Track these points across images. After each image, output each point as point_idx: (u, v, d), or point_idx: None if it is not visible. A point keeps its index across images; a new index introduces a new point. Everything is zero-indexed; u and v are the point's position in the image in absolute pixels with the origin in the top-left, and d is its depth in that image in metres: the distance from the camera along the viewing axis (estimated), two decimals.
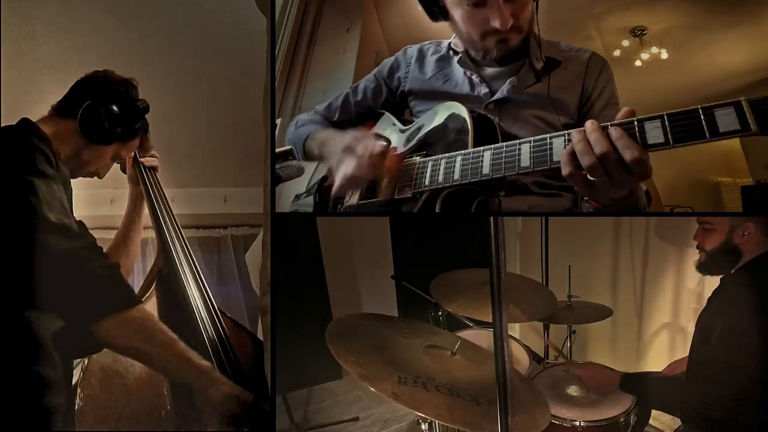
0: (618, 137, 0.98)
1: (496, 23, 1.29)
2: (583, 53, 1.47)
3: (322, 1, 2.34)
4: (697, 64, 2.70)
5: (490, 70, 1.48)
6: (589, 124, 1.01)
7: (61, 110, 1.39)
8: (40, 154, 1.19)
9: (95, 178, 1.49)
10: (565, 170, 1.03)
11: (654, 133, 0.99)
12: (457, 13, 1.37)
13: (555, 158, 1.08)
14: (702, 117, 0.96)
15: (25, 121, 1.30)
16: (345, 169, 1.31)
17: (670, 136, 0.98)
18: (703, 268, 1.56)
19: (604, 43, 2.68)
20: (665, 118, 0.99)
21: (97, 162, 1.43)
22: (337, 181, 1.33)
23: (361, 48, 2.24)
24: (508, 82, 1.42)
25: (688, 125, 0.97)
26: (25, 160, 1.17)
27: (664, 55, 2.65)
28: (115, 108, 1.38)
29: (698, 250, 1.55)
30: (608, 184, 1.00)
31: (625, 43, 2.68)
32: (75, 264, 1.10)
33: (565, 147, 1.06)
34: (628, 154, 0.97)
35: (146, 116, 1.49)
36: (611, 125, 1.01)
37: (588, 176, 1.01)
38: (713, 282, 1.55)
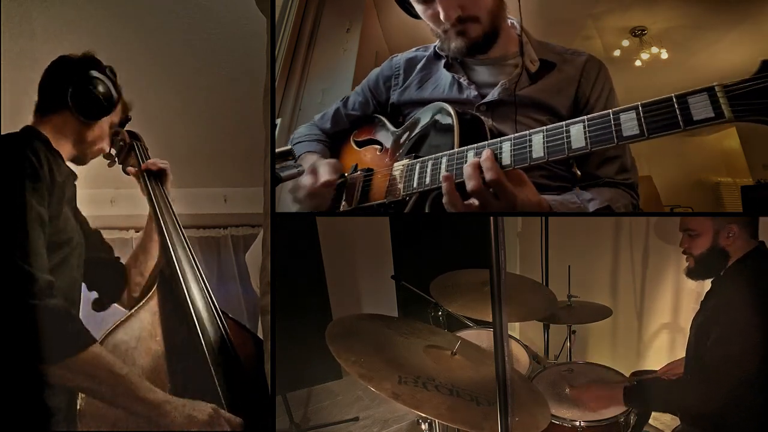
0: (484, 159, 1.10)
1: (442, 15, 1.31)
2: (578, 56, 1.45)
3: (322, 1, 2.34)
4: (697, 64, 2.70)
5: (480, 72, 1.46)
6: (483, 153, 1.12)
7: (44, 108, 1.39)
8: (27, 167, 1.20)
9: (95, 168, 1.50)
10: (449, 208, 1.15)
11: (629, 124, 0.98)
12: (418, 9, 1.39)
13: (534, 155, 1.09)
14: (676, 106, 0.94)
15: (23, 132, 1.34)
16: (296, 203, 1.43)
17: (644, 127, 0.96)
18: (693, 273, 1.56)
19: (604, 43, 2.68)
20: (640, 108, 0.98)
21: (102, 139, 1.46)
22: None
23: (361, 48, 2.24)
24: (499, 84, 1.40)
25: (662, 115, 0.95)
26: (3, 179, 1.19)
27: (664, 55, 2.65)
28: (98, 79, 1.39)
29: (686, 257, 1.55)
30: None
31: (625, 43, 2.68)
32: (22, 307, 1.12)
33: (544, 142, 1.07)
34: (488, 174, 1.08)
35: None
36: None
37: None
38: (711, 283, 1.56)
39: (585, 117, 1.04)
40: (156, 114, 1.80)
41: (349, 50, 2.24)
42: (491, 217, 0.91)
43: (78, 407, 1.18)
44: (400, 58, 1.61)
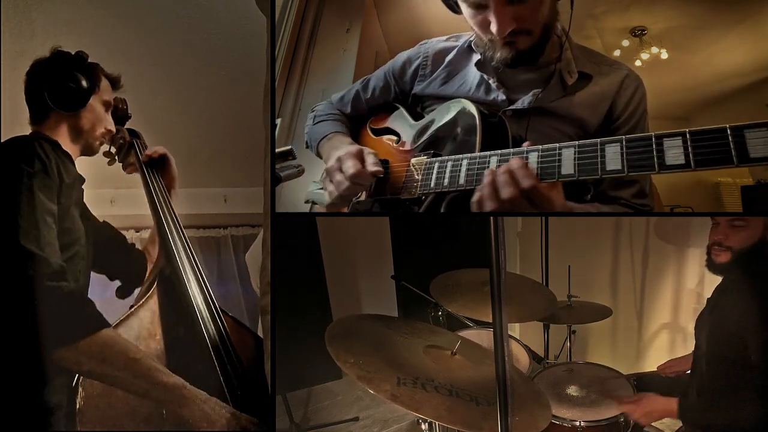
0: (518, 167, 1.04)
1: (494, 27, 1.20)
2: (618, 71, 1.36)
3: (322, 1, 2.33)
4: (697, 64, 2.69)
5: (512, 75, 1.38)
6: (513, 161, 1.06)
7: (35, 117, 1.43)
8: (37, 164, 1.23)
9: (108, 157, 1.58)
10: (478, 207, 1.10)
11: (673, 152, 0.89)
12: (464, 11, 1.29)
13: (564, 171, 1.02)
14: (730, 138, 0.84)
15: (33, 133, 1.39)
16: (331, 188, 1.35)
17: (691, 157, 0.87)
18: (724, 269, 1.42)
19: (604, 43, 2.67)
20: (687, 136, 0.88)
21: (99, 121, 1.48)
22: (328, 199, 1.37)
23: (361, 48, 2.24)
24: (531, 93, 1.31)
25: (713, 147, 0.85)
26: (16, 174, 1.21)
27: (664, 55, 2.65)
28: (66, 70, 1.41)
29: (717, 250, 1.42)
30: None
31: (625, 43, 2.68)
32: (36, 289, 1.12)
33: (575, 159, 1.01)
34: (525, 182, 1.02)
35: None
36: (524, 153, 1.07)
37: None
38: (714, 282, 1.53)
39: (623, 137, 0.96)
40: (156, 114, 1.79)
41: (349, 50, 2.24)
42: (491, 217, 0.90)
43: (77, 406, 1.16)
44: (429, 47, 1.52)
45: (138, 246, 1.72)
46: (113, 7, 1.96)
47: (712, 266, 1.45)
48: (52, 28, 1.90)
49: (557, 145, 1.05)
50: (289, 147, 1.33)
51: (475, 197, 1.10)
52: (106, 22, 1.96)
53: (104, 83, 1.50)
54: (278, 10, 2.08)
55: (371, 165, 1.31)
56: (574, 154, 1.01)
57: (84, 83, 1.43)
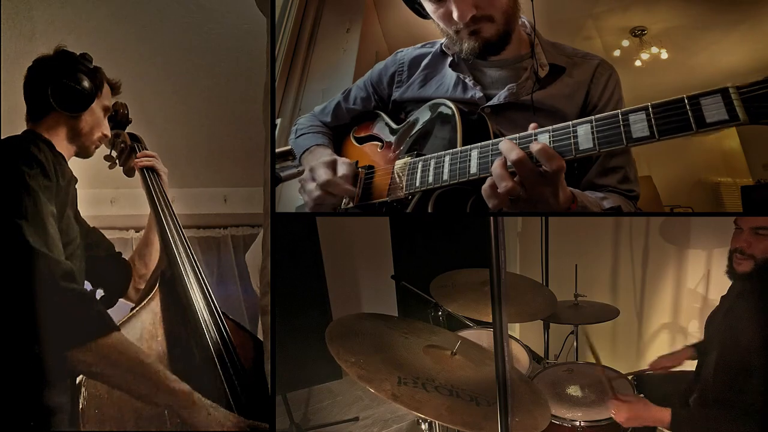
0: (538, 149, 1.03)
1: (455, 15, 1.25)
2: (590, 60, 1.40)
3: (322, 1, 2.34)
4: (697, 64, 2.70)
5: (486, 73, 1.42)
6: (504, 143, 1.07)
7: (33, 114, 1.41)
8: (36, 166, 1.22)
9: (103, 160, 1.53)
10: (491, 203, 1.08)
11: (638, 126, 0.95)
12: (428, 8, 1.34)
13: None
14: (688, 107, 0.91)
15: (26, 133, 1.36)
16: (305, 197, 1.38)
17: (655, 129, 0.93)
18: (745, 278, 1.36)
19: (604, 43, 2.68)
20: (650, 109, 0.95)
21: (98, 125, 1.46)
22: (309, 204, 1.39)
23: (361, 48, 2.24)
24: (506, 88, 1.36)
25: (673, 117, 0.92)
26: (16, 176, 1.19)
27: (664, 55, 2.65)
28: (73, 71, 1.40)
29: (741, 257, 1.36)
30: (527, 196, 1.05)
31: (625, 43, 2.68)
32: (47, 291, 1.10)
33: (550, 143, 1.04)
34: (552, 164, 1.01)
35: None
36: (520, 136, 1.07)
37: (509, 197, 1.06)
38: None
39: (593, 117, 1.02)
40: (156, 114, 1.79)
41: (349, 50, 2.24)
42: (491, 217, 0.90)
43: (80, 406, 1.16)
44: (405, 54, 1.57)
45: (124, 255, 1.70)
46: (113, 8, 1.96)
47: (733, 274, 1.40)
48: (52, 28, 1.90)
49: (533, 132, 1.08)
50: (289, 147, 1.33)
51: (487, 183, 1.09)
52: (106, 22, 1.96)
53: (106, 88, 1.49)
54: (278, 10, 2.08)
55: (344, 182, 1.35)
56: (549, 138, 1.05)
57: (89, 86, 1.41)
